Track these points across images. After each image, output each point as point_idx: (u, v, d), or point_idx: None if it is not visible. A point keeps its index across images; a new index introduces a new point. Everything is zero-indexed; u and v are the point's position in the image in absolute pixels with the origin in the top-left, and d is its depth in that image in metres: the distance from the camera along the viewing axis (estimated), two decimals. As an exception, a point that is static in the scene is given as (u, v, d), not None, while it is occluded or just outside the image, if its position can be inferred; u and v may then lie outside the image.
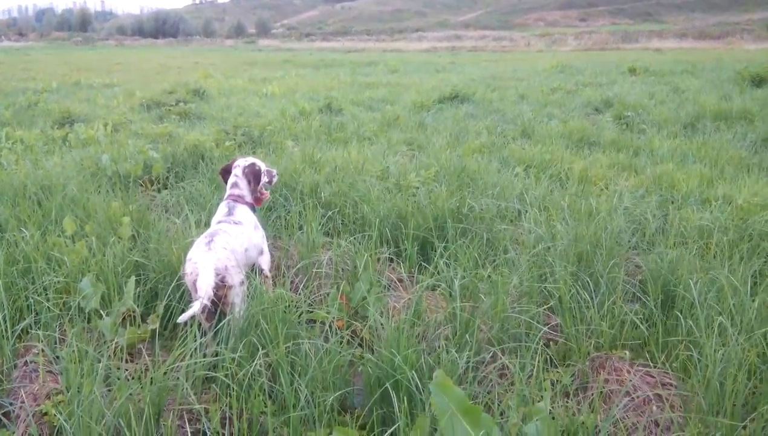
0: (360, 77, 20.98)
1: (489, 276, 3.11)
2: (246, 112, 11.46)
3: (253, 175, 3.76)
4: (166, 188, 5.90)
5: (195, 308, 2.81)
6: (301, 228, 4.37)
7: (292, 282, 3.58)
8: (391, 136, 9.12)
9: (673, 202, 4.84)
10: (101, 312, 3.12)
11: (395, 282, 3.69)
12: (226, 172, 3.79)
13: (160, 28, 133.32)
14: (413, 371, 2.29)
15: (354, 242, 3.98)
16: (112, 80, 19.26)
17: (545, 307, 3.03)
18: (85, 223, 4.14)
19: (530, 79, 20.08)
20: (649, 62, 23.49)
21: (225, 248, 3.16)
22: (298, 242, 4.06)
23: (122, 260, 3.49)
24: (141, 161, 6.10)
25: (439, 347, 2.60)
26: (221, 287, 3.06)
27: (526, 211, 4.55)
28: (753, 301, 2.70)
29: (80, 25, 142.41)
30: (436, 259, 3.62)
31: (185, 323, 2.89)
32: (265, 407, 2.48)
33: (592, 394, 2.45)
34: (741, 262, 3.26)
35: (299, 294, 3.55)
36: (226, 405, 2.49)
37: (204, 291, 2.89)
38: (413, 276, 3.98)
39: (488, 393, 2.44)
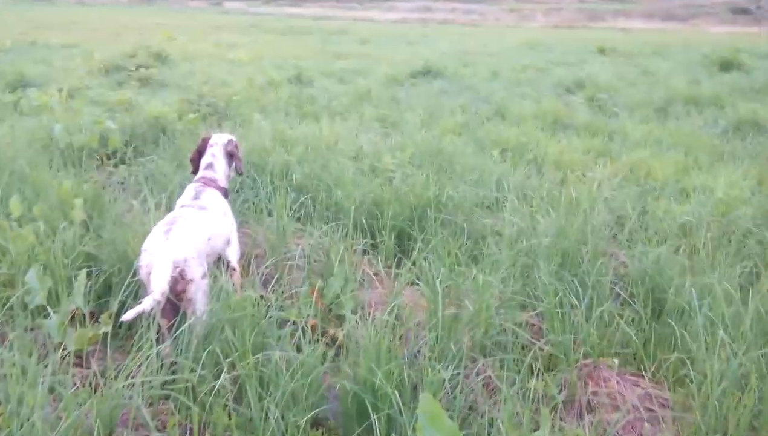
0: (330, 46, 20.41)
1: (473, 277, 2.94)
2: (212, 80, 10.95)
3: (229, 153, 3.49)
4: (124, 164, 5.52)
5: (144, 304, 2.56)
6: (270, 214, 4.12)
7: (261, 275, 3.34)
8: (363, 111, 8.83)
9: (650, 193, 4.75)
10: (49, 309, 2.85)
11: (371, 276, 3.50)
12: (199, 154, 3.49)
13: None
14: (395, 390, 2.11)
15: (328, 232, 3.76)
16: (70, 40, 18.20)
17: (531, 313, 2.89)
18: (35, 204, 3.80)
19: (501, 56, 19.88)
20: (617, 42, 23.54)
21: (185, 237, 2.90)
22: (268, 230, 3.81)
23: (73, 248, 3.19)
24: (97, 133, 5.69)
25: (420, 357, 2.44)
26: (180, 281, 2.81)
27: (506, 200, 4.39)
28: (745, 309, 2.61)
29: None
30: (415, 253, 3.44)
31: (142, 324, 2.65)
32: (230, 419, 2.28)
33: (580, 407, 2.33)
34: (727, 263, 3.18)
35: (269, 290, 3.33)
36: (186, 419, 2.28)
37: (158, 286, 2.64)
38: (390, 269, 3.80)
39: (472, 409, 2.29)
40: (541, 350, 2.63)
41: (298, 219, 4.27)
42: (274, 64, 14.16)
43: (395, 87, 11.49)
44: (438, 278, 2.87)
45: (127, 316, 2.57)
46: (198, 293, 2.86)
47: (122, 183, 4.94)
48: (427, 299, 2.97)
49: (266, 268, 3.52)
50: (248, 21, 37.40)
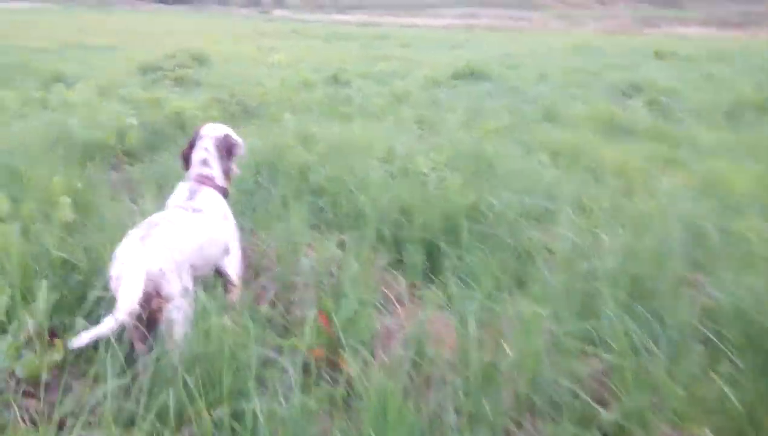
0: (371, 50, 19.99)
1: (517, 308, 2.34)
2: (247, 81, 10.62)
3: (226, 148, 2.99)
4: (142, 162, 5.14)
5: (103, 327, 2.09)
6: (283, 220, 3.61)
7: (263, 290, 2.83)
8: (400, 112, 8.28)
9: (732, 209, 4.02)
10: (7, 324, 2.40)
11: (393, 298, 2.94)
12: (190, 148, 3.01)
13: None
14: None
15: (345, 243, 3.23)
16: (115, 43, 18.39)
17: (594, 362, 2.26)
18: (24, 202, 3.40)
19: (549, 58, 19.05)
20: (674, 46, 22.28)
21: (164, 245, 2.40)
22: (278, 238, 3.29)
23: (46, 253, 2.75)
24: (114, 129, 5.33)
25: (444, 415, 1.86)
26: (155, 298, 2.32)
27: (559, 211, 3.75)
28: None
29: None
30: (446, 271, 2.86)
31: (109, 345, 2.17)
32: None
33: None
34: None
35: (274, 308, 2.82)
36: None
37: (124, 303, 2.15)
38: (416, 289, 3.24)
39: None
40: (607, 404, 2.01)
41: (316, 226, 3.75)
42: (313, 67, 13.80)
43: (436, 89, 10.91)
44: (472, 306, 2.28)
45: (79, 341, 2.09)
46: (176, 312, 2.36)
47: (130, 182, 4.53)
48: (458, 334, 2.38)
49: (271, 281, 3.01)
50: (293, 27, 37.50)
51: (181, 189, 2.84)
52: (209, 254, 2.73)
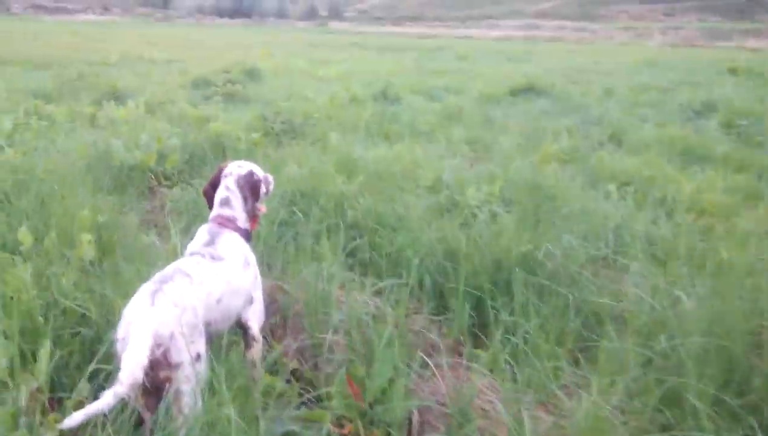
0: (425, 63, 19.68)
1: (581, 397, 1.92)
2: (295, 96, 10.49)
3: (250, 187, 2.69)
4: (180, 184, 4.97)
5: (101, 403, 1.83)
6: (316, 258, 3.30)
7: (286, 350, 2.51)
8: (451, 132, 7.90)
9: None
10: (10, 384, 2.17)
11: (435, 358, 2.56)
12: (213, 187, 2.74)
13: (237, 8, 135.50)
14: None
15: (383, 292, 2.88)
16: (174, 56, 18.83)
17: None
18: (48, 234, 3.21)
19: (616, 74, 18.22)
20: (749, 63, 20.91)
21: (177, 304, 2.12)
22: (307, 286, 2.97)
23: (55, 303, 2.52)
24: (155, 151, 5.19)
25: None
26: (163, 366, 2.04)
27: (628, 257, 3.28)
28: None
29: (163, 2, 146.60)
30: (495, 330, 2.47)
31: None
32: None
33: None
34: None
35: (299, 369, 2.51)
36: None
37: (127, 373, 1.88)
38: (461, 345, 2.85)
39: None
40: None
41: (352, 266, 3.41)
42: (364, 80, 13.59)
43: (491, 105, 10.47)
44: (527, 384, 1.88)
45: (71, 421, 1.83)
46: (185, 384, 2.07)
47: (162, 210, 4.34)
48: (509, 417, 1.98)
49: (296, 336, 2.69)
50: (349, 39, 37.78)
51: (201, 233, 2.57)
52: (229, 307, 2.44)
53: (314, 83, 12.88)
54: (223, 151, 5.30)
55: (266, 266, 3.43)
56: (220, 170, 2.73)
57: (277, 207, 3.77)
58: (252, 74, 13.58)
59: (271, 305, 3.07)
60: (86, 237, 3.00)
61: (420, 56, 23.10)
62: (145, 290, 2.16)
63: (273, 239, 3.59)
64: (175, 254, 3.00)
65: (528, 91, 12.33)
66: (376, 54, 23.86)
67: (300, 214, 3.80)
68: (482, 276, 3.05)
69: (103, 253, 3.06)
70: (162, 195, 4.80)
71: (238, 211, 2.64)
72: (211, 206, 2.72)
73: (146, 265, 2.76)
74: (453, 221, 3.65)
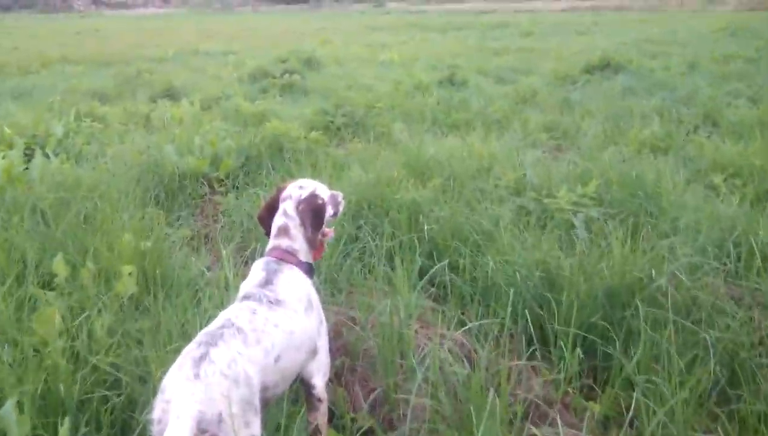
0: (489, 42, 18.72)
1: None
2: (356, 85, 10.03)
3: (312, 212, 2.21)
4: (236, 189, 4.60)
5: None
6: (387, 282, 2.81)
7: (354, 402, 2.05)
8: (526, 118, 7.21)
9: None
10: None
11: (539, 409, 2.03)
12: (270, 212, 2.29)
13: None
14: None
15: (474, 333, 2.36)
16: (231, 47, 18.74)
17: None
18: (86, 262, 2.88)
19: (695, 44, 16.72)
20: None
21: (227, 375, 1.70)
22: (378, 318, 2.49)
23: (84, 360, 2.14)
24: (209, 155, 4.85)
25: None
26: (206, 454, 1.62)
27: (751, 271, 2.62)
28: None
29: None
30: (614, 379, 1.92)
31: None
32: None
33: None
34: None
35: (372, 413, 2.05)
36: None
37: None
38: (569, 396, 2.31)
39: None
40: None
41: (429, 293, 2.91)
42: (427, 64, 12.95)
43: (567, 86, 9.64)
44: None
45: None
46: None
47: (214, 220, 3.96)
48: None
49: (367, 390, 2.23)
50: (407, 20, 36.87)
51: (256, 270, 2.12)
52: (290, 364, 1.99)
53: (375, 70, 12.37)
54: (280, 153, 4.89)
55: (329, 291, 2.99)
56: (279, 192, 2.27)
57: (341, 219, 3.30)
58: (310, 63, 13.20)
59: (336, 341, 2.62)
60: (127, 269, 2.63)
61: (482, 35, 22.12)
62: (187, 355, 1.74)
63: (337, 259, 3.13)
64: (226, 288, 2.59)
65: (604, 68, 11.36)
66: (437, 34, 23.01)
67: (368, 229, 3.32)
68: (589, 309, 2.48)
69: (145, 285, 2.68)
70: (215, 205, 4.43)
71: (298, 241, 2.18)
72: (268, 234, 2.27)
73: (192, 304, 2.35)
74: (549, 236, 3.06)
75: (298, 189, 2.23)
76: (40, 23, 39.76)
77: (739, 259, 3.14)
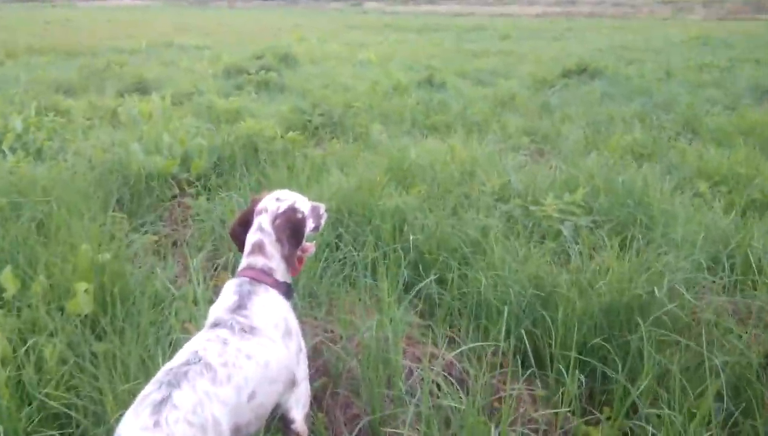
0: (466, 44, 18.66)
1: None
2: (333, 84, 9.80)
3: (291, 227, 1.99)
4: (208, 191, 4.34)
5: None
6: (370, 296, 2.62)
7: (336, 431, 1.85)
8: (506, 122, 7.10)
9: None
10: None
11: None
12: (244, 226, 2.06)
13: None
14: None
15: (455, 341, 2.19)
16: (206, 42, 18.27)
17: None
18: (41, 274, 2.61)
19: (669, 52, 16.96)
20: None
21: (192, 422, 1.48)
22: (366, 348, 2.29)
23: (28, 394, 1.89)
24: (178, 154, 4.58)
25: None
26: None
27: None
28: None
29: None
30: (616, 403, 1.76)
31: None
32: None
33: None
34: None
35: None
36: None
37: None
38: (570, 422, 2.15)
39: None
40: None
41: (415, 307, 2.72)
42: (404, 64, 12.79)
43: (545, 90, 9.57)
44: None
45: None
46: None
47: (186, 224, 3.71)
48: None
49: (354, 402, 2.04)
50: (384, 20, 36.68)
51: (227, 292, 1.90)
52: (265, 399, 1.78)
53: (352, 69, 12.14)
54: (255, 153, 4.64)
55: (307, 303, 2.78)
56: (254, 204, 2.05)
57: (324, 230, 3.09)
58: (287, 60, 12.91)
59: (315, 360, 2.42)
60: (81, 286, 2.37)
61: (459, 37, 22.08)
62: (146, 399, 1.50)
63: (316, 270, 2.92)
64: (194, 302, 2.36)
65: (581, 73, 11.35)
66: (414, 35, 22.88)
67: (349, 238, 3.12)
68: (587, 327, 2.32)
69: (103, 302, 2.43)
70: (184, 208, 4.17)
71: (275, 259, 1.96)
72: (241, 250, 2.05)
73: (156, 324, 2.12)
74: (540, 248, 2.90)
75: (275, 202, 2.01)
76: (9, 12, 38.39)
77: (732, 271, 3.05)
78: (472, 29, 27.14)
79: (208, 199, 4.13)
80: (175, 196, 4.32)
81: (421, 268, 2.87)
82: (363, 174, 3.81)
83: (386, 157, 4.27)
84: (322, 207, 2.16)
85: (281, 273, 1.97)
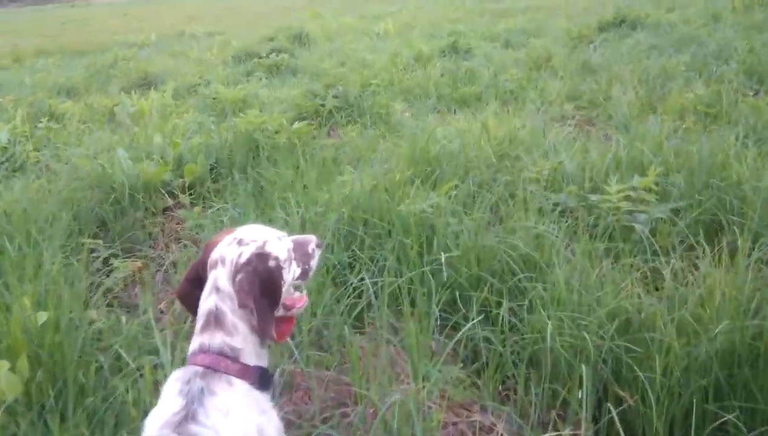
0: (490, 4, 17.53)
1: None
2: (350, 60, 9.08)
3: (260, 283, 1.34)
4: (204, 199, 3.74)
5: None
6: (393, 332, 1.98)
7: None
8: (545, 87, 6.28)
9: None
10: None
11: None
12: (195, 284, 1.43)
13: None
14: None
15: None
16: (217, 28, 17.66)
17: None
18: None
19: (710, -8, 15.53)
20: None
21: None
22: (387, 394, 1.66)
23: None
24: (170, 159, 3.99)
25: None
26: None
27: None
28: None
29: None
30: None
31: None
32: None
33: None
34: None
35: None
36: None
37: None
38: None
39: None
40: None
41: (460, 360, 2.06)
42: (426, 33, 11.91)
43: (583, 47, 8.62)
44: None
45: None
46: None
47: (177, 241, 3.12)
48: None
49: None
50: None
51: (170, 392, 1.28)
52: None
53: (371, 42, 11.35)
54: (256, 151, 4.00)
55: (315, 349, 2.16)
56: (207, 251, 1.42)
57: (327, 245, 2.45)
58: (300, 39, 12.21)
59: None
60: (3, 364, 1.78)
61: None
62: None
63: (321, 306, 2.28)
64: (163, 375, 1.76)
65: (620, 24, 10.32)
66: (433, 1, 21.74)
67: (365, 258, 2.47)
68: (695, 385, 1.64)
69: (42, 380, 1.84)
70: (177, 221, 3.59)
71: (239, 334, 1.33)
72: (195, 311, 1.42)
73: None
74: (616, 261, 2.19)
75: (235, 247, 1.37)
76: (25, 16, 38.52)
77: None
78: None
79: (204, 208, 3.54)
80: (167, 208, 3.73)
81: (458, 296, 2.21)
82: (380, 170, 3.12)
83: (408, 146, 3.56)
84: (313, 242, 1.51)
85: (251, 353, 1.34)
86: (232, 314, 1.32)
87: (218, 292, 1.34)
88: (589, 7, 13.39)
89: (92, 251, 2.96)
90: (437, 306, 2.16)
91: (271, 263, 1.36)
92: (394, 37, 11.83)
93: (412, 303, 2.13)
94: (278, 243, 1.40)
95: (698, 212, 2.83)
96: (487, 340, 2.01)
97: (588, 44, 8.75)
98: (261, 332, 1.32)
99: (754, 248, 2.33)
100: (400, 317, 2.17)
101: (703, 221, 2.81)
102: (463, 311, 2.14)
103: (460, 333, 1.94)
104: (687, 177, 3.16)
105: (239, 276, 1.32)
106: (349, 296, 2.31)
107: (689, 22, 10.38)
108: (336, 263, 2.44)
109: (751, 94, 5.56)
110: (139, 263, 3.06)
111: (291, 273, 1.43)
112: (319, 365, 2.16)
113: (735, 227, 2.64)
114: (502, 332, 1.97)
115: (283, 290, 1.38)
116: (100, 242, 3.01)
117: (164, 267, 3.08)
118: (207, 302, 1.35)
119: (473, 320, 1.98)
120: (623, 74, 6.44)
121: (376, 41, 11.58)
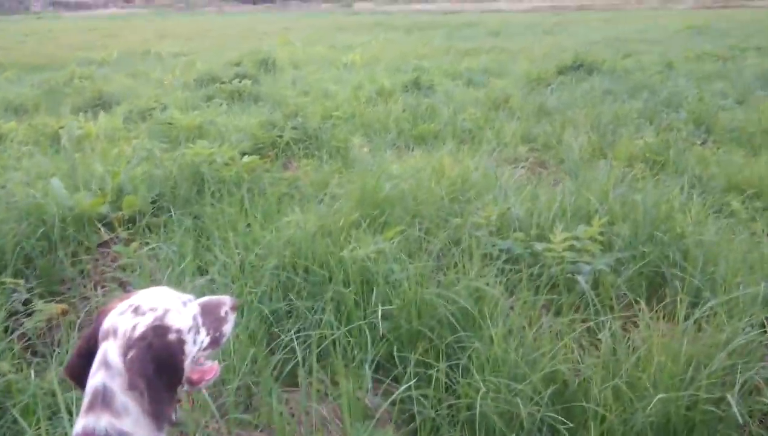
0: (457, 42, 17.88)
1: None
2: (313, 90, 9.04)
3: (155, 361, 1.20)
4: (145, 233, 3.57)
5: None
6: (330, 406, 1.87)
7: None
8: (501, 127, 6.35)
9: None
10: None
11: None
12: (86, 359, 1.28)
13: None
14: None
15: None
16: (185, 49, 17.46)
17: None
18: None
19: (666, 43, 16.30)
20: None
21: None
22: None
23: None
24: (109, 190, 3.82)
25: None
26: None
27: None
28: None
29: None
30: None
31: None
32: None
33: None
34: None
35: None
36: None
37: None
38: None
39: None
40: None
41: (394, 422, 1.97)
42: (392, 66, 12.02)
43: (540, 89, 8.81)
44: None
45: None
46: None
47: (114, 278, 2.95)
48: None
49: None
50: (374, 20, 35.85)
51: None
52: None
53: (337, 73, 11.37)
54: (202, 184, 3.87)
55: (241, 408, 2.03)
56: (99, 320, 1.29)
57: (264, 295, 2.33)
58: (266, 66, 12.13)
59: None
60: None
61: (449, 34, 21.30)
62: None
63: (250, 367, 2.15)
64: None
65: (578, 68, 10.60)
66: (403, 34, 22.09)
67: (304, 307, 2.36)
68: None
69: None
70: (113, 257, 3.41)
71: (130, 417, 1.19)
72: (83, 386, 1.28)
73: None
74: (555, 317, 2.14)
75: (129, 316, 1.25)
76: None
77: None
78: (463, 26, 26.36)
79: (142, 245, 3.37)
80: (104, 243, 3.55)
81: (396, 350, 2.12)
82: (327, 212, 3.04)
83: (359, 186, 3.49)
84: (227, 303, 1.40)
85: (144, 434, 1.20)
86: (122, 393, 1.19)
87: (107, 368, 1.21)
88: (549, 52, 13.78)
89: (13, 291, 2.76)
90: (374, 362, 2.06)
91: (171, 337, 1.24)
92: (360, 69, 11.89)
93: (350, 358, 2.03)
94: (182, 311, 1.28)
95: (641, 265, 2.84)
96: (422, 405, 1.92)
97: (546, 87, 8.95)
98: (153, 416, 1.19)
99: (696, 305, 2.33)
100: (335, 374, 2.06)
101: (646, 274, 2.80)
102: (400, 368, 2.05)
103: (395, 395, 1.85)
104: (632, 228, 3.18)
105: (131, 353, 1.19)
106: (283, 350, 2.19)
107: (644, 69, 10.77)
108: (270, 314, 2.33)
109: (699, 143, 5.74)
110: (63, 306, 2.87)
111: (198, 345, 1.31)
112: (247, 425, 2.03)
113: (677, 282, 2.64)
114: (436, 395, 1.88)
115: (186, 363, 1.27)
116: (21, 281, 2.81)
117: (88, 311, 2.89)
118: (94, 378, 1.21)
119: (408, 381, 1.89)
120: (577, 118, 6.58)
121: (342, 72, 11.61)
